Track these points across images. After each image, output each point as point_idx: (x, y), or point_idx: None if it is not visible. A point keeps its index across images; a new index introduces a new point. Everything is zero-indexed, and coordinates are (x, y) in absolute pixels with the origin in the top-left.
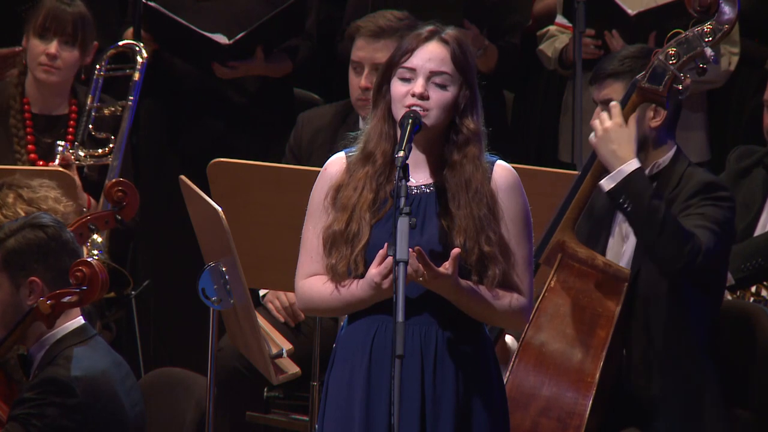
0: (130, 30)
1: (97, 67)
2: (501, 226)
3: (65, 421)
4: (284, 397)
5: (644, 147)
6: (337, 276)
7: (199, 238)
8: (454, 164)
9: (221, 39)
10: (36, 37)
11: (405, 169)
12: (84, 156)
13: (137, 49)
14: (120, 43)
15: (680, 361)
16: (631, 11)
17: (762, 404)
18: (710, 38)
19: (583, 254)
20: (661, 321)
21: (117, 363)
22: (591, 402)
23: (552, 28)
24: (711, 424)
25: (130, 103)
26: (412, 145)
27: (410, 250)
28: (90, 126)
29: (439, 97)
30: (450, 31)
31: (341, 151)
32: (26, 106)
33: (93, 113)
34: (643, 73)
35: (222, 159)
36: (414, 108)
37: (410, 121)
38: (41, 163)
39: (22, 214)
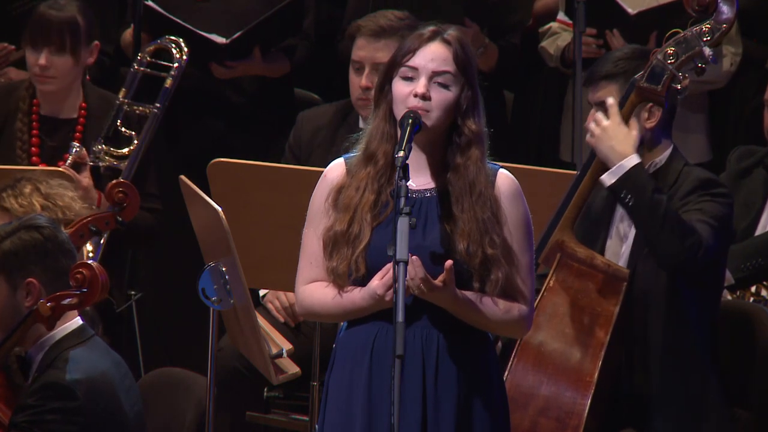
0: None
1: (138, 57)
2: (504, 231)
3: (67, 426)
4: (284, 397)
5: (639, 147)
6: (337, 277)
7: (199, 238)
8: (458, 167)
9: (219, 39)
10: (29, 48)
11: (405, 169)
12: (103, 154)
13: (177, 47)
14: (159, 40)
15: (679, 361)
16: (631, 10)
17: (762, 404)
18: (708, 38)
19: (582, 254)
20: (660, 320)
21: (116, 363)
22: (589, 401)
23: (554, 25)
24: (710, 424)
25: (156, 110)
26: (413, 146)
27: (410, 255)
28: (118, 121)
29: (440, 98)
30: (452, 32)
31: (340, 157)
32: (35, 108)
33: (124, 108)
34: (642, 72)
35: (222, 159)
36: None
37: (410, 121)
38: (43, 165)
39: (37, 206)
